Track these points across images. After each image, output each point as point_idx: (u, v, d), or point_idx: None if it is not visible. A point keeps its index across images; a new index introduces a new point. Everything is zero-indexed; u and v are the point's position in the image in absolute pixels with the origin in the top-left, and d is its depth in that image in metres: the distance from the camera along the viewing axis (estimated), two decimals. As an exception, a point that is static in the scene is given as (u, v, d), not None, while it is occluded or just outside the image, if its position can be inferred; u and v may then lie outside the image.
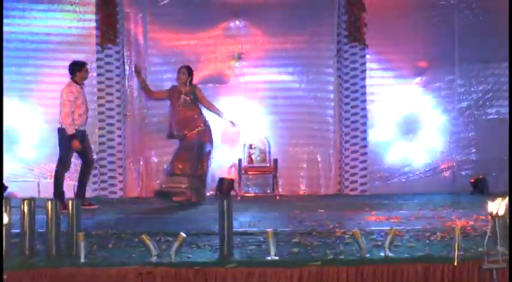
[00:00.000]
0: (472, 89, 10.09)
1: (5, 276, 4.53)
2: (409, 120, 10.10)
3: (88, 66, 8.46)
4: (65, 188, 8.15)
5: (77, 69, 8.28)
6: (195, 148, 8.50)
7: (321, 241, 5.69)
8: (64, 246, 5.23)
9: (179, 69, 8.71)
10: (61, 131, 8.20)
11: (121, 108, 9.66)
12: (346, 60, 9.73)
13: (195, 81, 8.96)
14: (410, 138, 10.09)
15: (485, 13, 9.93)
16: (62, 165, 8.23)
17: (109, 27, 9.41)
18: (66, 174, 8.38)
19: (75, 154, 8.35)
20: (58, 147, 8.29)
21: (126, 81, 9.82)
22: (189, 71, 8.70)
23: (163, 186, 8.52)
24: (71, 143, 8.13)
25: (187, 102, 8.59)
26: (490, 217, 4.80)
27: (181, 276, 4.76)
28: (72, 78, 8.28)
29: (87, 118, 8.35)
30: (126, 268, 4.81)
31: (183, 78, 8.64)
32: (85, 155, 8.35)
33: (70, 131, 8.08)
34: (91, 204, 8.28)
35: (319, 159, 10.00)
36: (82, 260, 4.90)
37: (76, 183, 8.53)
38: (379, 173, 10.01)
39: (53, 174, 8.32)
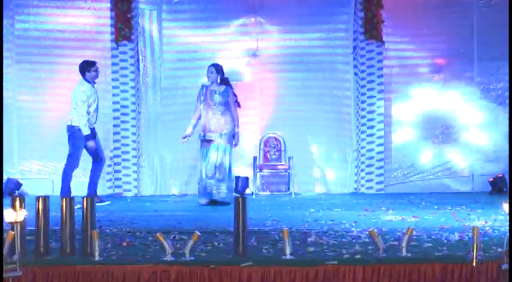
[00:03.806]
0: (491, 87, 9.98)
1: (20, 274, 4.53)
2: (426, 119, 10.01)
3: (98, 64, 8.45)
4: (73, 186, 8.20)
5: (86, 69, 8.32)
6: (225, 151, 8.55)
7: (337, 240, 5.74)
8: (78, 244, 5.23)
9: (208, 68, 8.61)
10: (72, 129, 8.23)
11: (135, 105, 9.67)
12: (363, 57, 9.68)
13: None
14: (428, 137, 9.99)
15: (505, 10, 9.56)
16: (72, 163, 8.29)
17: (124, 24, 9.41)
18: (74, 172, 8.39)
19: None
20: (68, 144, 8.35)
21: (141, 78, 9.81)
22: (218, 69, 8.59)
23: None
24: (83, 142, 8.18)
25: (222, 101, 8.52)
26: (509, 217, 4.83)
27: (196, 275, 4.79)
28: (83, 77, 8.31)
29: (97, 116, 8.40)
30: (141, 266, 4.84)
31: (211, 77, 8.55)
32: (97, 153, 8.39)
33: (85, 131, 8.15)
34: (102, 200, 8.30)
35: (335, 157, 9.95)
36: (97, 258, 4.92)
37: (88, 181, 8.52)
38: (396, 171, 9.93)
39: (62, 171, 8.38)
